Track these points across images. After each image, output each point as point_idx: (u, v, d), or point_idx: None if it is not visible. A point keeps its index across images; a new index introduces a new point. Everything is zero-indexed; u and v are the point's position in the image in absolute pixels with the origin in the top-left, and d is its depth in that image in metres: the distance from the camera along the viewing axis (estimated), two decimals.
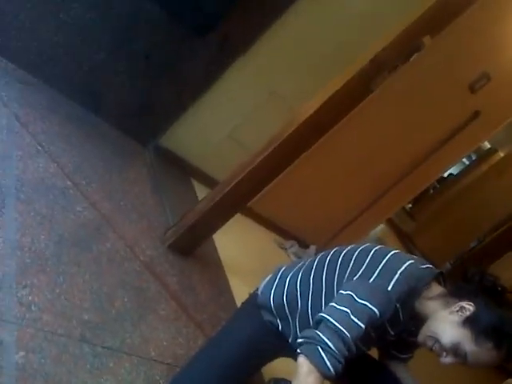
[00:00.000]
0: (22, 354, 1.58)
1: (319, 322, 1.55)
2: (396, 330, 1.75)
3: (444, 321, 1.64)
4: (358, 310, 1.53)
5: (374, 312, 1.55)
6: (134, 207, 2.84)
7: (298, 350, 1.51)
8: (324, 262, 1.87)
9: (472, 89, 4.09)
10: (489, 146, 9.55)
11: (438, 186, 10.55)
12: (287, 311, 1.91)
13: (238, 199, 2.84)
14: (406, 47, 2.64)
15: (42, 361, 1.62)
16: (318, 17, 3.31)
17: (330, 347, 1.46)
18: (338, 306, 1.55)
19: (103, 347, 1.88)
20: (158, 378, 2.01)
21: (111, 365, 1.86)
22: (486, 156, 9.60)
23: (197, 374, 1.89)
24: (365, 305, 1.54)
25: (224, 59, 3.29)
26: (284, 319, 1.93)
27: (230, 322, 2.10)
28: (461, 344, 1.60)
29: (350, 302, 1.55)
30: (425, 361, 2.03)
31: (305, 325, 1.83)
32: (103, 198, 2.64)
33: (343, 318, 1.52)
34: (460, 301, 1.65)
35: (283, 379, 2.25)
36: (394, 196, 4.68)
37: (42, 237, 2.06)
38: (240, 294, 2.88)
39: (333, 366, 1.46)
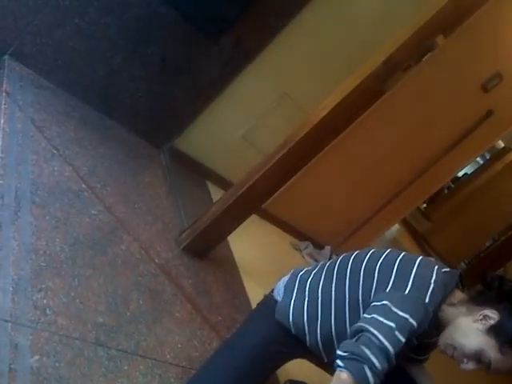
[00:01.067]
0: (36, 357, 1.58)
1: (359, 332, 1.54)
2: (419, 338, 1.74)
3: (468, 328, 1.63)
4: (401, 325, 1.52)
5: (414, 326, 1.54)
6: (149, 210, 2.84)
7: (341, 364, 1.49)
8: (346, 270, 1.85)
9: (485, 88, 4.08)
10: (503, 145, 9.48)
11: (453, 185, 10.51)
12: (305, 324, 1.88)
13: (252, 201, 2.84)
14: (419, 47, 2.62)
15: (57, 364, 1.63)
16: (330, 19, 3.31)
17: (377, 367, 1.45)
18: (383, 320, 1.53)
19: (118, 350, 1.89)
20: (172, 380, 2.01)
21: (126, 368, 1.86)
22: (500, 155, 9.53)
23: (212, 377, 1.89)
24: (406, 318, 1.53)
25: (237, 62, 3.30)
26: (300, 330, 1.91)
27: (245, 324, 2.10)
28: (484, 352, 1.59)
29: (392, 315, 1.54)
30: (440, 359, 2.01)
31: (327, 331, 1.83)
32: (118, 200, 2.65)
33: (389, 333, 1.50)
34: (483, 308, 1.64)
35: (299, 381, 2.25)
36: (408, 196, 4.66)
37: (57, 240, 2.06)
38: (255, 296, 2.88)
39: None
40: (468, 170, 10.32)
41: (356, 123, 3.59)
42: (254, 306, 2.71)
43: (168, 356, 2.08)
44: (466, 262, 9.34)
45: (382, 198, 4.60)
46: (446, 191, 10.31)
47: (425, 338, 1.81)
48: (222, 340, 2.42)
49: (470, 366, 1.63)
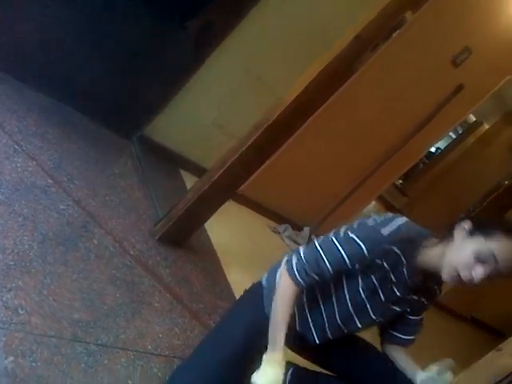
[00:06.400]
0: (11, 359, 1.53)
1: None
2: (402, 290, 1.73)
3: (456, 247, 1.65)
4: (344, 241, 1.60)
5: (361, 247, 1.58)
6: (121, 201, 2.78)
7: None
8: None
9: (454, 63, 4.10)
10: (474, 119, 9.58)
11: (427, 160, 10.60)
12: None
13: (227, 186, 2.80)
14: (387, 24, 2.61)
15: (33, 364, 1.58)
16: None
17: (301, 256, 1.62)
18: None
19: (97, 345, 1.84)
20: (155, 370, 1.98)
21: (106, 362, 1.82)
22: (471, 129, 9.64)
23: (199, 368, 1.84)
24: (352, 238, 1.60)
25: (206, 46, 3.24)
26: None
27: (232, 313, 2.02)
28: (482, 250, 1.59)
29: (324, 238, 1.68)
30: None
31: (333, 320, 1.79)
32: (87, 194, 2.59)
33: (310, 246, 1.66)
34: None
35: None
36: (383, 173, 4.67)
37: (25, 238, 2.01)
38: (235, 282, 2.86)
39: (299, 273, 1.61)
40: (441, 144, 10.42)
41: (327, 103, 3.55)
42: (235, 292, 2.69)
43: (149, 346, 2.05)
44: None
45: (357, 176, 4.60)
46: (420, 166, 10.40)
47: (411, 292, 1.79)
48: (205, 327, 2.39)
49: (478, 271, 1.59)
